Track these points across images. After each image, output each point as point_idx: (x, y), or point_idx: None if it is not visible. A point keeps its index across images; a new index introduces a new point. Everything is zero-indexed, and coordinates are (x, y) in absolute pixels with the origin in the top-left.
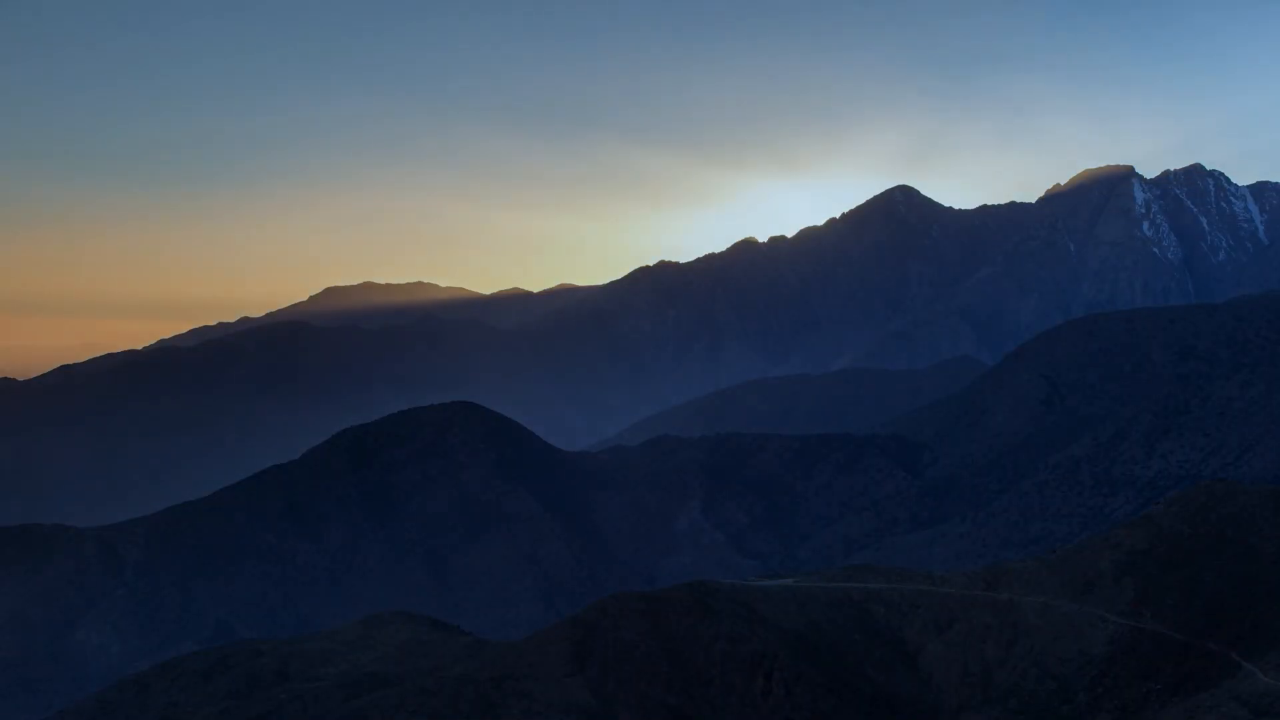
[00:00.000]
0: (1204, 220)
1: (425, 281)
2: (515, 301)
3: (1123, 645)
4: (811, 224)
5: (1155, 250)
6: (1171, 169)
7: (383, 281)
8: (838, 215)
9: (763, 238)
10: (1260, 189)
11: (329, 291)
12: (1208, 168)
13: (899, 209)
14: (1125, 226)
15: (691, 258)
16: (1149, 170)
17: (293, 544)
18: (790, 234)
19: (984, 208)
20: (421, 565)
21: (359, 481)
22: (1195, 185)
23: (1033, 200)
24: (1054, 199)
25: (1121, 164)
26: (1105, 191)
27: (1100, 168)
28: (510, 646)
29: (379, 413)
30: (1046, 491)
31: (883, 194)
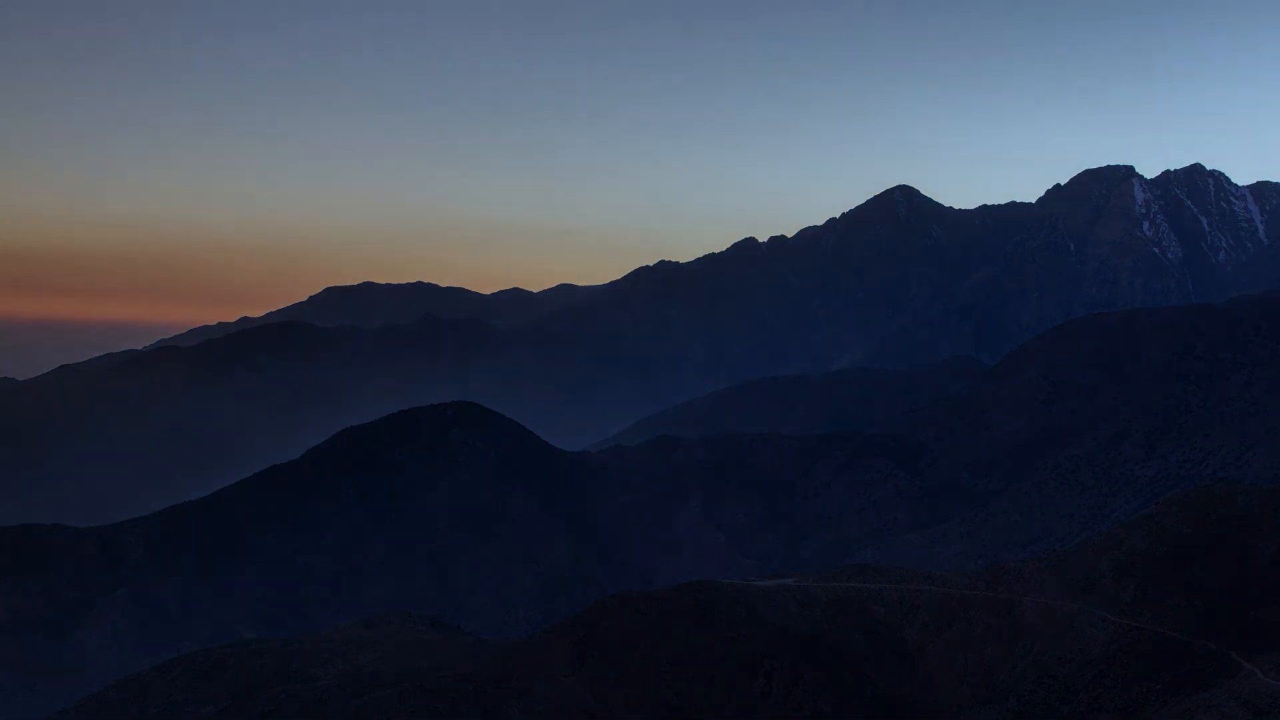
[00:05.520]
0: (1204, 220)
1: (425, 282)
2: (515, 301)
3: (1123, 645)
4: (811, 224)
5: (1155, 250)
6: (1171, 169)
7: (383, 281)
8: (838, 215)
9: (763, 238)
10: (1260, 189)
11: (329, 291)
12: (1208, 168)
13: (899, 209)
14: (1125, 226)
15: (691, 258)
16: (1149, 170)
17: (293, 544)
18: (790, 234)
19: (984, 208)
20: (421, 565)
21: (359, 481)
22: (1195, 185)
23: (1033, 200)
24: (1054, 199)
25: (1121, 164)
26: (1105, 191)
27: (1100, 168)
28: (510, 646)
29: (379, 413)
30: (1046, 491)
31: (883, 194)
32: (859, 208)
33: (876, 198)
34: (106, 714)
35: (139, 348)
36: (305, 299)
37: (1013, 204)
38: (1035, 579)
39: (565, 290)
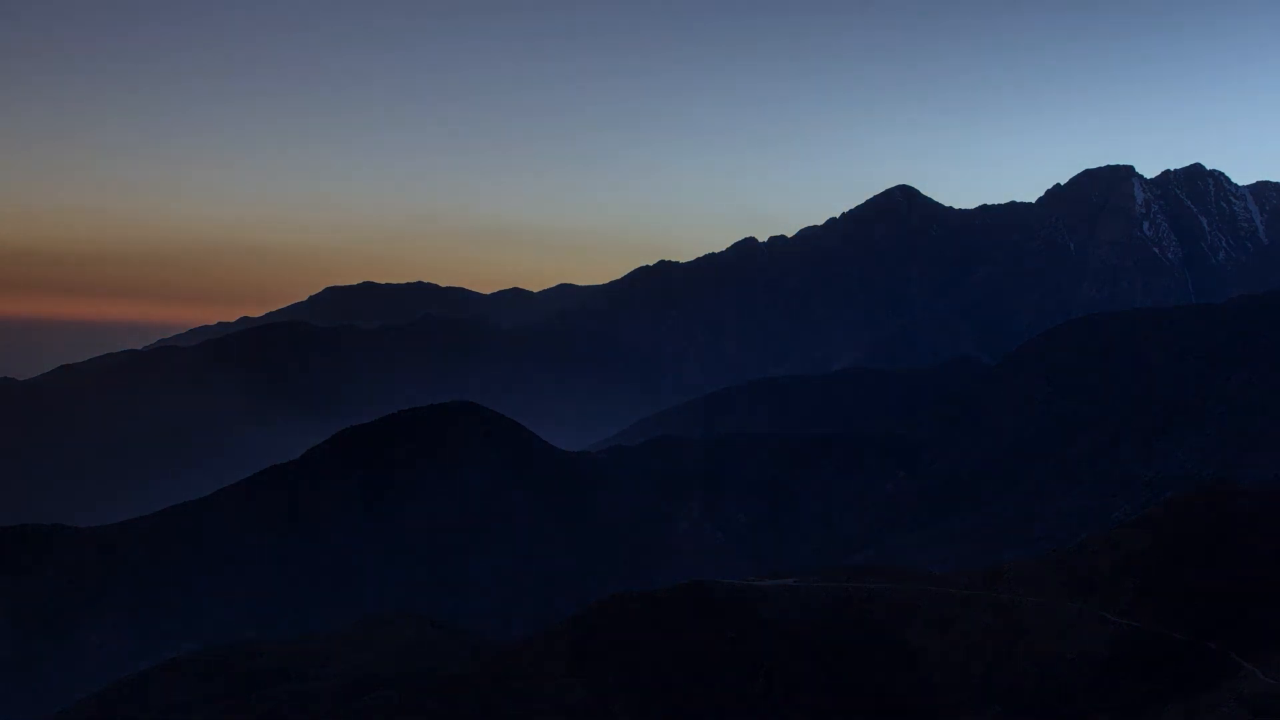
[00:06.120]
0: (1204, 220)
1: (425, 282)
2: (515, 301)
3: (1123, 645)
4: (811, 224)
5: (1155, 250)
6: (1171, 169)
7: (383, 281)
8: (838, 215)
9: (763, 238)
10: (1260, 189)
11: (329, 291)
12: (1208, 168)
13: (899, 209)
14: (1125, 226)
15: (691, 258)
16: (1149, 170)
17: (293, 544)
18: (790, 234)
19: (984, 208)
20: (421, 565)
21: (359, 481)
22: (1195, 185)
23: (1033, 200)
24: (1054, 199)
25: (1121, 164)
26: (1105, 191)
27: (1100, 168)
28: (510, 646)
29: (379, 413)
30: (1046, 491)
31: (883, 194)
32: (859, 208)
33: (876, 198)
34: (106, 714)
35: (139, 348)
36: (305, 299)
37: (1013, 204)
38: (1035, 579)
39: (565, 290)
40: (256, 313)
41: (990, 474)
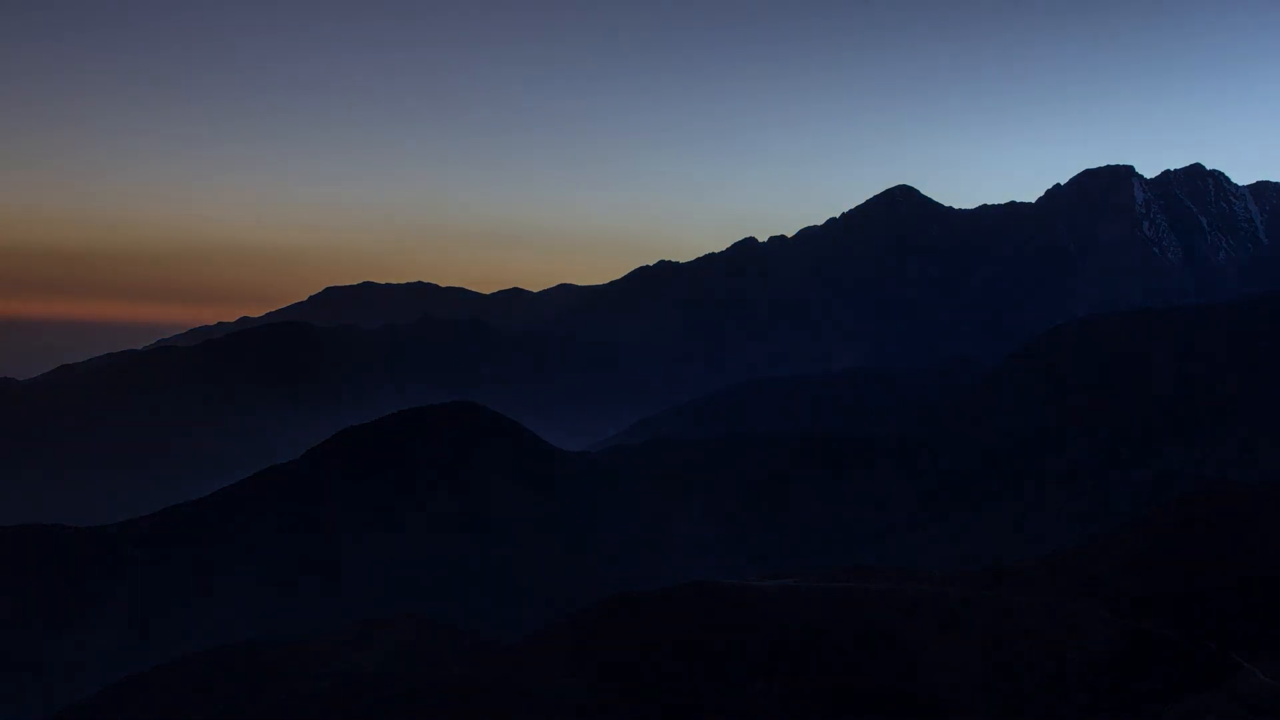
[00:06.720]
0: (1204, 220)
1: (425, 282)
2: (515, 301)
3: (1123, 645)
4: (811, 224)
5: (1155, 250)
6: (1171, 169)
7: (383, 281)
8: (838, 215)
9: (763, 238)
10: (1260, 189)
11: (329, 291)
12: (1208, 168)
13: (899, 209)
14: (1125, 226)
15: (691, 258)
16: (1149, 170)
17: (293, 544)
18: (790, 234)
19: (984, 208)
20: (421, 565)
21: (359, 481)
22: (1195, 185)
23: (1033, 200)
24: (1054, 199)
25: (1121, 164)
26: (1105, 191)
27: (1100, 168)
28: (510, 646)
29: (379, 413)
30: (1046, 491)
31: (883, 194)
32: (859, 208)
33: (876, 198)
34: (107, 714)
35: (139, 348)
36: (305, 299)
37: (1013, 204)
38: (1035, 579)
39: (565, 290)
40: (256, 313)
41: (990, 474)
